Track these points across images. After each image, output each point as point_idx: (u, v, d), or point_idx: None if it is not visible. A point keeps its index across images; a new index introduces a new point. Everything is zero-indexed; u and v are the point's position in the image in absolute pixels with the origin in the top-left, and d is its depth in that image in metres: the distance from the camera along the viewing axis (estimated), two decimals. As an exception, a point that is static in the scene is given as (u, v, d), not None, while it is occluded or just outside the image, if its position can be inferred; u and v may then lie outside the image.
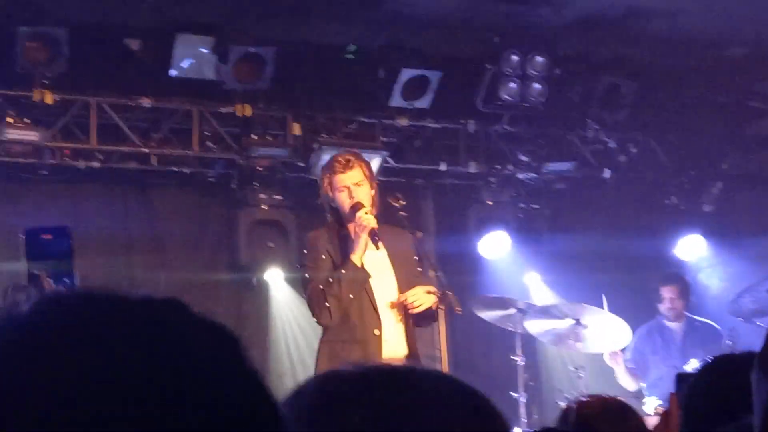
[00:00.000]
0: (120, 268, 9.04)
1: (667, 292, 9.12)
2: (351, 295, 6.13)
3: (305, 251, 6.37)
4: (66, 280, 2.47)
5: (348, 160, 6.25)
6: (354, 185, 6.16)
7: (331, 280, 6.13)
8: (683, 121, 10.33)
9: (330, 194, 6.24)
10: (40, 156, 8.51)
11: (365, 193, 6.19)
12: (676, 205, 10.58)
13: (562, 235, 10.07)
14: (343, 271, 6.12)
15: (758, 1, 8.44)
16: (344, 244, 6.22)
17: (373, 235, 6.11)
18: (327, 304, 6.11)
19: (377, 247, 6.13)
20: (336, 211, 6.27)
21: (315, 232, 6.43)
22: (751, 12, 8.70)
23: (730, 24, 9.05)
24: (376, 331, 6.11)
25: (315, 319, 6.31)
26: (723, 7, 8.60)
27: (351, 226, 6.16)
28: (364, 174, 6.23)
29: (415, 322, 6.21)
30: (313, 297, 6.18)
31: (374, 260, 6.21)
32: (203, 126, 9.04)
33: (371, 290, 6.17)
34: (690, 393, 2.72)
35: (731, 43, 9.58)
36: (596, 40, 9.36)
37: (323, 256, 6.23)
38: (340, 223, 6.28)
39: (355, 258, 6.12)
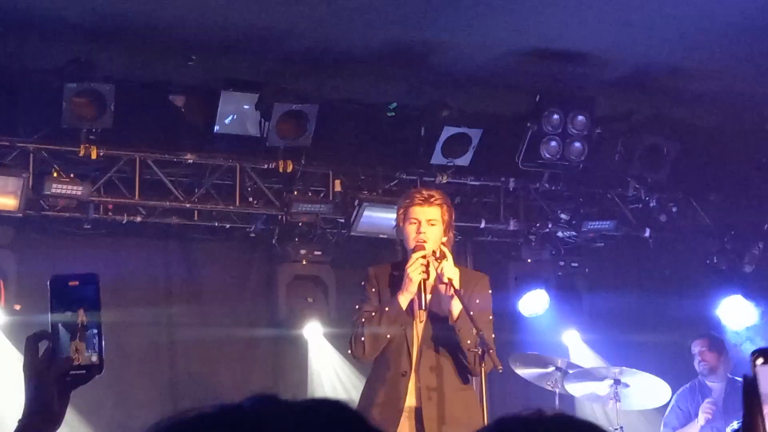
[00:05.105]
0: (160, 322, 9.09)
1: (696, 346, 9.10)
2: (388, 336, 5.88)
3: (362, 283, 6.12)
4: (94, 330, 2.35)
5: (431, 195, 5.94)
6: (427, 222, 5.85)
7: (373, 314, 5.90)
8: (725, 181, 10.29)
9: (401, 225, 5.94)
10: (83, 210, 8.57)
11: (436, 235, 5.86)
12: (716, 266, 10.50)
13: (602, 293, 10.01)
14: (387, 309, 5.87)
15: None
16: (399, 282, 5.88)
17: (420, 292, 5.80)
18: (363, 339, 5.88)
19: (422, 305, 5.82)
20: (403, 245, 5.99)
21: (375, 267, 6.15)
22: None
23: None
24: (405, 373, 5.87)
25: (350, 352, 6.09)
26: (766, 67, 8.59)
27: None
28: (443, 217, 5.89)
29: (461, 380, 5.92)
30: (354, 329, 5.96)
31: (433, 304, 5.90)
32: (245, 182, 9.08)
33: (412, 334, 5.90)
34: None
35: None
36: (638, 99, 9.35)
37: (373, 290, 5.99)
38: (405, 259, 5.93)
39: (402, 299, 5.82)
